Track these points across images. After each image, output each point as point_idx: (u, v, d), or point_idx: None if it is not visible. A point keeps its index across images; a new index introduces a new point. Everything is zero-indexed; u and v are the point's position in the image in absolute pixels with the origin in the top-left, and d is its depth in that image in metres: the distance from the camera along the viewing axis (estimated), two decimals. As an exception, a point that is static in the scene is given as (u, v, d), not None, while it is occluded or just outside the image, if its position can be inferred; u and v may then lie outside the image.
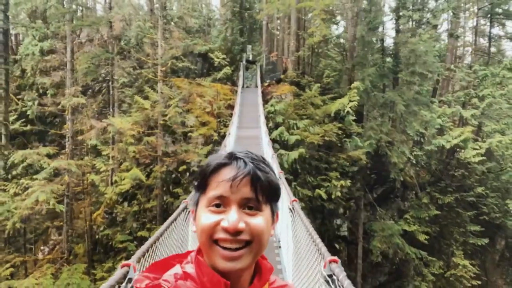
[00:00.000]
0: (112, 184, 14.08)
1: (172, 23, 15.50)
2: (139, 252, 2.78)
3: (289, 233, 4.61)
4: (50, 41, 21.14)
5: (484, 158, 15.50)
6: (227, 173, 0.79)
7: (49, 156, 14.40)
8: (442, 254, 17.75)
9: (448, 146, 15.35)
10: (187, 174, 14.97)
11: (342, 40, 19.54)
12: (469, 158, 15.22)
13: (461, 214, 17.20)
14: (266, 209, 0.81)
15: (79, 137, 13.36)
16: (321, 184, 14.16)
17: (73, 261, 14.19)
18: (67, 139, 14.94)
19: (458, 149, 15.91)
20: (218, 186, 0.79)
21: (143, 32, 14.68)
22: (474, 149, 15.34)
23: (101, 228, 14.81)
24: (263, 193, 0.80)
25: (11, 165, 16.57)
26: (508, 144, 15.47)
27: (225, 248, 0.76)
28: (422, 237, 15.73)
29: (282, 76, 17.87)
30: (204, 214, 0.79)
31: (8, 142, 17.31)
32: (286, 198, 5.14)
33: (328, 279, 2.52)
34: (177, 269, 0.82)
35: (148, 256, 2.92)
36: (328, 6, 15.05)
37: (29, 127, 20.44)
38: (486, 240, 17.14)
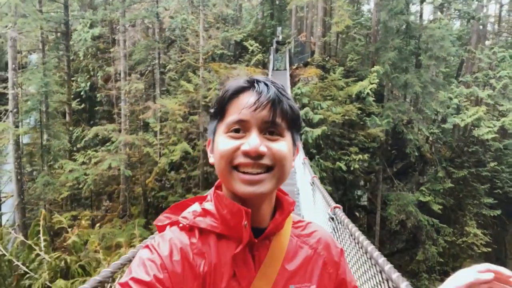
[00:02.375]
0: (161, 155, 17.24)
1: (210, 13, 18.00)
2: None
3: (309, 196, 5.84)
4: (99, 28, 24.32)
5: (497, 135, 17.26)
6: (248, 97, 0.79)
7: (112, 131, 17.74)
8: (456, 224, 19.84)
9: (462, 124, 17.23)
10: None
11: (368, 23, 21.28)
12: (483, 136, 17.04)
13: (476, 187, 19.14)
14: (288, 136, 0.81)
15: (140, 116, 16.48)
16: (342, 157, 16.61)
17: (131, 220, 17.69)
18: (124, 117, 18.17)
19: (473, 127, 17.72)
20: (238, 111, 0.78)
21: (187, 24, 17.34)
22: (488, 127, 17.12)
23: (153, 193, 18.21)
24: (283, 117, 0.79)
25: (75, 139, 20.19)
26: (522, 122, 17.12)
27: (245, 173, 0.76)
28: (436, 207, 17.92)
29: (309, 60, 20.08)
30: (223, 139, 0.79)
31: (71, 119, 20.92)
32: (308, 176, 6.35)
33: (333, 217, 3.48)
34: (195, 206, 0.84)
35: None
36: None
37: (83, 105, 24.11)
38: (498, 212, 19.05)
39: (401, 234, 20.70)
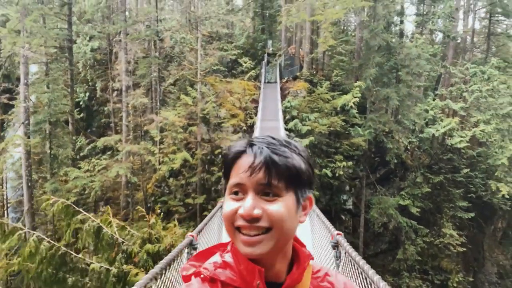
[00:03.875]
0: (160, 163, 19.01)
1: (206, 32, 19.97)
2: (199, 227, 3.60)
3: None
4: (98, 41, 26.10)
5: (469, 144, 19.50)
6: (244, 160, 0.83)
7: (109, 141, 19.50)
8: (434, 226, 21.95)
9: (437, 134, 19.42)
10: (220, 156, 19.75)
11: (353, 39, 23.48)
12: (455, 145, 19.25)
13: (451, 192, 21.30)
14: (288, 195, 0.82)
15: (144, 128, 18.27)
16: (328, 165, 18.61)
17: (134, 223, 19.39)
18: (125, 127, 19.93)
19: (446, 137, 19.93)
20: (237, 174, 0.83)
21: (185, 42, 19.26)
22: (461, 136, 19.34)
23: (153, 198, 19.95)
24: (280, 178, 0.81)
25: (78, 148, 21.83)
26: (491, 132, 19.38)
27: (244, 234, 0.81)
28: (414, 210, 20.00)
29: (298, 74, 22.15)
30: (227, 202, 0.84)
31: (74, 128, 22.56)
32: None
33: (335, 245, 3.48)
34: (217, 257, 0.88)
35: (204, 231, 4.02)
36: (336, 19, 19.08)
37: (82, 114, 25.76)
38: (472, 214, 21.24)
39: (384, 236, 22.75)
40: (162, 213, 18.00)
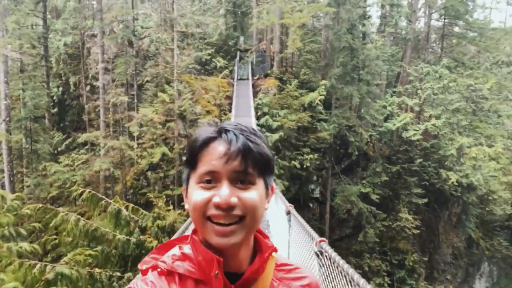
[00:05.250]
0: (139, 158, 20.43)
1: (181, 32, 21.39)
2: None
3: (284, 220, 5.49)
4: (72, 37, 26.78)
5: (423, 137, 22.18)
6: (217, 147, 0.82)
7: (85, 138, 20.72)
8: (393, 211, 24.69)
9: (394, 128, 21.94)
10: (196, 150, 21.42)
11: (319, 39, 25.58)
12: (410, 137, 21.86)
13: (407, 180, 24.05)
14: (260, 183, 0.85)
15: (126, 124, 19.60)
16: (297, 157, 20.72)
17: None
18: (102, 123, 21.15)
19: (402, 130, 22.51)
20: (208, 161, 0.82)
21: (162, 42, 20.63)
22: (414, 130, 21.95)
23: (131, 190, 21.39)
24: (255, 166, 0.82)
25: (55, 143, 22.79)
26: (441, 126, 22.12)
27: (218, 224, 0.81)
28: (374, 197, 22.55)
29: (269, 72, 24.05)
30: (195, 191, 0.83)
31: (50, 124, 23.47)
32: (281, 206, 5.96)
33: (319, 253, 3.23)
34: (175, 250, 0.88)
35: None
36: (303, 23, 21.05)
37: (56, 110, 26.54)
38: (425, 200, 24.10)
39: (348, 221, 25.32)
40: (143, 205, 19.49)
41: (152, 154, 19.12)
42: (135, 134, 19.93)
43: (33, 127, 20.07)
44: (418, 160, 23.28)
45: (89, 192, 6.66)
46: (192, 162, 0.86)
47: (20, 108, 21.38)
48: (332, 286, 3.01)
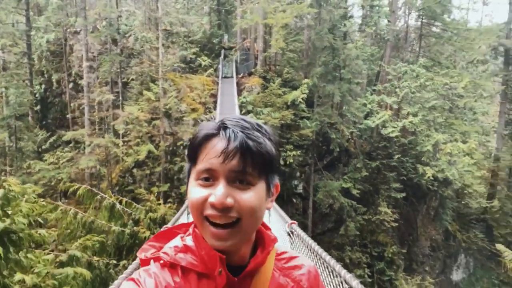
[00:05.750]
0: (125, 155, 20.81)
1: (166, 31, 21.81)
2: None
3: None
4: (55, 34, 26.78)
5: (401, 133, 23.23)
6: (215, 144, 0.81)
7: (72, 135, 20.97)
8: (372, 205, 25.74)
9: (373, 125, 22.91)
10: (181, 147, 21.92)
11: (302, 38, 26.31)
12: (388, 134, 22.87)
13: (386, 175, 25.13)
14: (260, 183, 0.83)
15: (111, 123, 19.93)
16: (280, 154, 21.43)
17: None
18: (87, 121, 21.40)
19: (381, 127, 23.52)
20: (207, 158, 0.81)
21: (146, 41, 21.00)
22: (393, 127, 22.97)
23: (117, 188, 21.75)
24: (254, 165, 0.80)
25: (39, 141, 22.92)
26: (418, 123, 23.21)
27: (214, 224, 0.80)
28: (355, 192, 23.51)
29: (253, 70, 24.67)
30: (194, 188, 0.83)
31: (34, 122, 23.57)
32: None
33: (290, 233, 4.04)
34: (177, 241, 0.88)
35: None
36: (286, 23, 21.74)
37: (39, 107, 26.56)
38: (403, 194, 25.22)
39: (330, 216, 26.25)
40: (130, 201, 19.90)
41: (138, 152, 19.56)
42: (121, 132, 20.30)
43: (17, 125, 20.21)
44: (397, 156, 24.38)
45: (85, 188, 7.21)
46: (192, 157, 0.85)
47: (3, 106, 21.46)
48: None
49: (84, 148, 20.73)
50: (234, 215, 0.80)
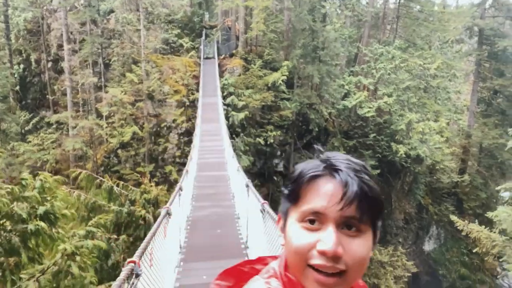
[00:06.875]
0: (109, 136, 21.50)
1: (146, 12, 22.12)
2: (139, 251, 3.35)
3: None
4: (32, 12, 26.57)
5: (375, 113, 24.59)
6: (325, 186, 0.77)
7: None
8: (349, 182, 27.25)
9: (350, 105, 24.17)
10: (165, 128, 22.71)
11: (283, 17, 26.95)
12: (364, 114, 24.19)
13: (363, 153, 26.65)
14: (368, 231, 0.78)
15: (97, 105, 20.47)
16: (261, 134, 22.56)
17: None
18: (70, 103, 21.86)
19: (357, 108, 24.81)
20: (315, 200, 0.76)
21: (128, 22, 21.31)
22: (368, 107, 24.27)
23: (102, 168, 22.53)
24: (369, 212, 0.76)
25: (22, 123, 23.27)
26: (392, 103, 24.57)
27: (320, 272, 0.74)
28: (332, 169, 24.90)
29: (234, 51, 25.34)
30: (297, 230, 0.78)
31: (16, 104, 23.81)
32: (243, 181, 7.63)
33: (262, 211, 5.06)
34: (260, 285, 0.81)
35: (149, 253, 3.61)
36: (266, 6, 22.36)
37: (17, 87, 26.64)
38: (378, 171, 26.87)
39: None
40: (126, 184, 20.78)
41: (122, 133, 20.29)
42: (104, 114, 20.91)
43: (0, 107, 20.54)
44: (372, 135, 25.83)
45: (86, 173, 8.12)
46: (294, 197, 0.80)
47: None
48: (272, 235, 4.45)
49: (68, 129, 21.30)
50: (342, 267, 0.75)
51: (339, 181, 0.76)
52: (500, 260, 14.85)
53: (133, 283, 2.81)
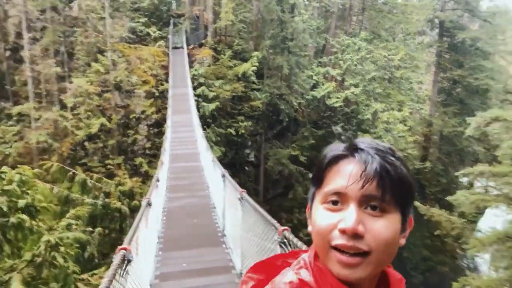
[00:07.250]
0: (75, 128, 20.89)
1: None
2: (127, 238, 3.40)
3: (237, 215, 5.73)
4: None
5: (342, 104, 25.26)
6: (347, 166, 0.77)
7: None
8: (319, 170, 28.02)
9: (319, 96, 24.68)
10: (134, 120, 22.33)
11: (252, 7, 26.97)
12: (332, 104, 24.79)
13: (331, 142, 27.31)
14: (395, 213, 0.76)
15: (61, 96, 19.73)
16: (232, 124, 22.66)
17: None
18: (31, 94, 20.99)
19: (326, 98, 25.39)
20: (336, 181, 0.76)
21: (91, 10, 20.60)
22: (336, 97, 24.89)
23: (68, 161, 21.90)
24: (393, 192, 0.75)
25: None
26: (359, 94, 25.30)
27: (343, 252, 0.74)
28: (302, 159, 25.55)
29: (203, 41, 25.14)
30: (320, 212, 0.78)
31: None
32: (218, 171, 7.71)
33: (240, 199, 4.78)
34: (290, 276, 0.80)
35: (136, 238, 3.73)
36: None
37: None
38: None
39: (280, 182, 28.31)
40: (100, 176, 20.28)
41: (89, 125, 19.79)
42: (69, 105, 20.28)
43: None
44: (340, 124, 26.56)
45: (58, 165, 7.95)
46: (318, 179, 0.82)
47: None
48: (250, 222, 4.61)
49: (30, 122, 20.52)
50: (364, 247, 0.74)
51: (358, 160, 0.77)
52: (459, 241, 15.84)
53: (125, 269, 2.85)
